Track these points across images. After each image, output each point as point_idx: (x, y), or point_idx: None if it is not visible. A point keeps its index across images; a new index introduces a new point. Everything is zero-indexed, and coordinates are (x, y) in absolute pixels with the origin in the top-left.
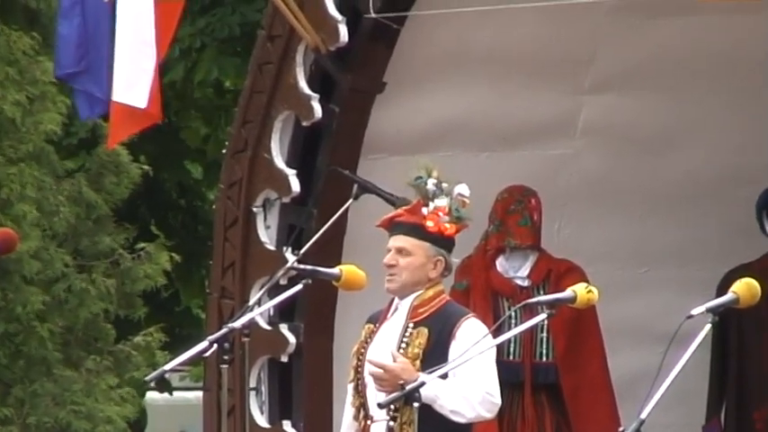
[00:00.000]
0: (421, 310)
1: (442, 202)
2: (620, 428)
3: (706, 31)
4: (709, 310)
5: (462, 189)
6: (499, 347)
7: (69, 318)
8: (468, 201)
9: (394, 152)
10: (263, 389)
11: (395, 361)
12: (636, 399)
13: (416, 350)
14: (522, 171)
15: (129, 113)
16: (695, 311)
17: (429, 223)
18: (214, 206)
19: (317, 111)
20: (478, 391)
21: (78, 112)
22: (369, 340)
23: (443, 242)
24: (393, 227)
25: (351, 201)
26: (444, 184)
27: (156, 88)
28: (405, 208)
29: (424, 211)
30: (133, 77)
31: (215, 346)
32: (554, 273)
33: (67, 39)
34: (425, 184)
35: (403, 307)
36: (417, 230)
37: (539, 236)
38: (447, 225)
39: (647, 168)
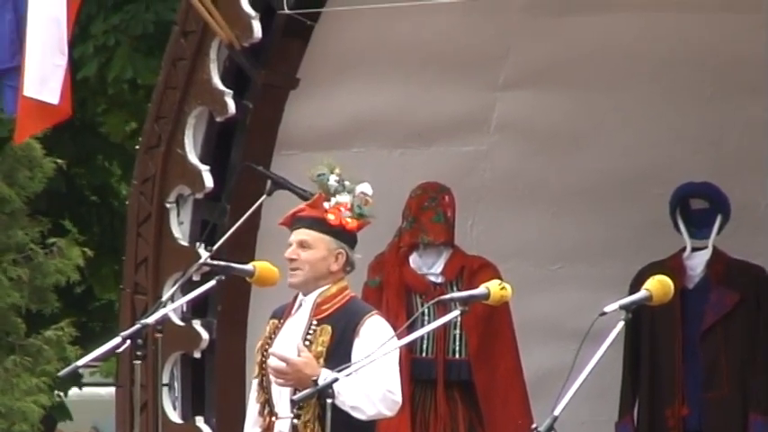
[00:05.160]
0: (324, 307)
1: (344, 198)
2: (533, 425)
3: (617, 29)
4: (622, 308)
5: (365, 188)
6: (412, 344)
7: None
8: (370, 200)
9: (307, 148)
10: (176, 385)
11: (299, 355)
12: (549, 396)
13: (320, 348)
14: (435, 168)
15: (40, 109)
16: (608, 308)
17: (330, 216)
18: (127, 202)
19: (231, 107)
20: (379, 388)
21: (6, 107)
22: (273, 336)
23: (345, 236)
24: (295, 222)
25: (264, 197)
26: (346, 182)
27: (68, 84)
28: (306, 203)
29: (326, 205)
30: (46, 73)
31: (128, 341)
32: (467, 269)
33: (1, 35)
34: (327, 180)
35: (307, 303)
36: (318, 224)
37: (452, 232)
38: (348, 220)
39: (561, 165)
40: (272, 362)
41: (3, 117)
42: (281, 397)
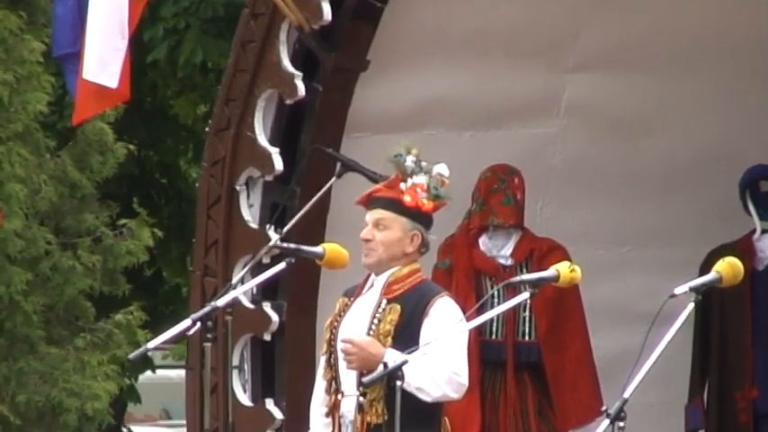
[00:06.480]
0: (395, 287)
1: (420, 179)
2: (603, 407)
3: (689, 12)
4: (692, 290)
5: (442, 169)
6: (482, 327)
7: (53, 296)
8: (447, 181)
9: (377, 131)
10: (246, 367)
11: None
12: (618, 378)
13: (388, 326)
14: (505, 150)
15: (98, 92)
16: (678, 290)
17: (406, 198)
18: (197, 184)
19: (301, 89)
20: (445, 370)
21: (70, 90)
22: (342, 314)
23: (421, 218)
24: (371, 202)
25: (334, 179)
26: (423, 163)
27: (127, 68)
28: (383, 183)
29: (402, 186)
30: (105, 57)
31: (198, 324)
32: (537, 252)
33: (63, 19)
34: (404, 160)
35: (378, 283)
36: (394, 205)
37: (522, 215)
38: (425, 201)
39: (630, 148)
40: (341, 346)
41: (73, 102)
42: (348, 375)
